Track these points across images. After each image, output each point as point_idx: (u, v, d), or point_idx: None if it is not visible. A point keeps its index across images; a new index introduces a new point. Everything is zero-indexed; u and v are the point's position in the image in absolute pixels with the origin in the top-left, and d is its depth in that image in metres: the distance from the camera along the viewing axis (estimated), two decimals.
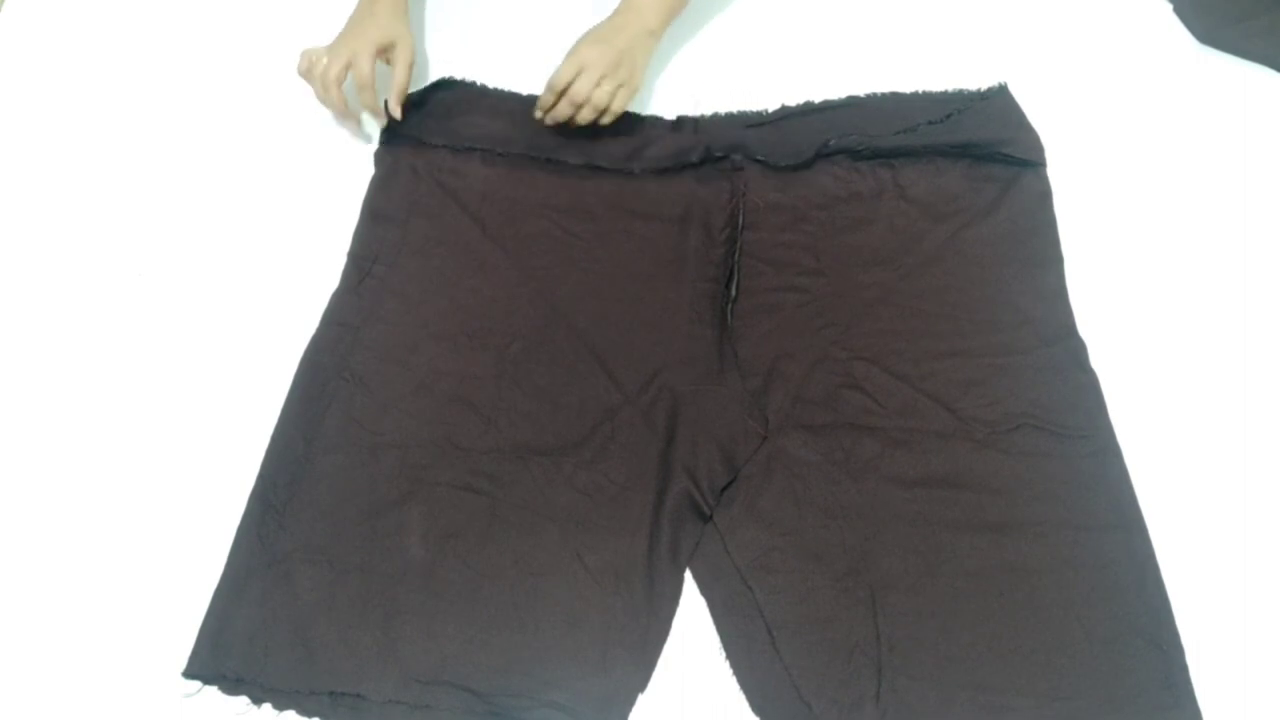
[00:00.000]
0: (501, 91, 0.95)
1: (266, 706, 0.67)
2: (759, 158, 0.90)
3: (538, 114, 0.90)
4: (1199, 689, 0.67)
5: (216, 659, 0.67)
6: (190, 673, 0.67)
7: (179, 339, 0.83)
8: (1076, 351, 0.81)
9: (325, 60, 0.90)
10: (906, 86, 0.95)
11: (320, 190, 0.91)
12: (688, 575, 0.73)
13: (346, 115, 0.93)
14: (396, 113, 0.91)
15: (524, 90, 0.95)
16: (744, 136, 0.91)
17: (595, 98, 0.87)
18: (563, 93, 0.87)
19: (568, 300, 0.83)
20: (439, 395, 0.78)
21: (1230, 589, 0.73)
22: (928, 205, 0.88)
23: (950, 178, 0.90)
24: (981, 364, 0.80)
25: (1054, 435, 0.76)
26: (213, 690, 0.67)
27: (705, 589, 0.72)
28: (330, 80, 0.89)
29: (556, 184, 0.89)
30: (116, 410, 0.79)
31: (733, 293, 0.84)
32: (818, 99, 0.93)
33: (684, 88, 0.98)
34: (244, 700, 0.67)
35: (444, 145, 0.91)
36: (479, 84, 0.95)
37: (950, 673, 0.67)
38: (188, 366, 0.81)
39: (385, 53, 0.92)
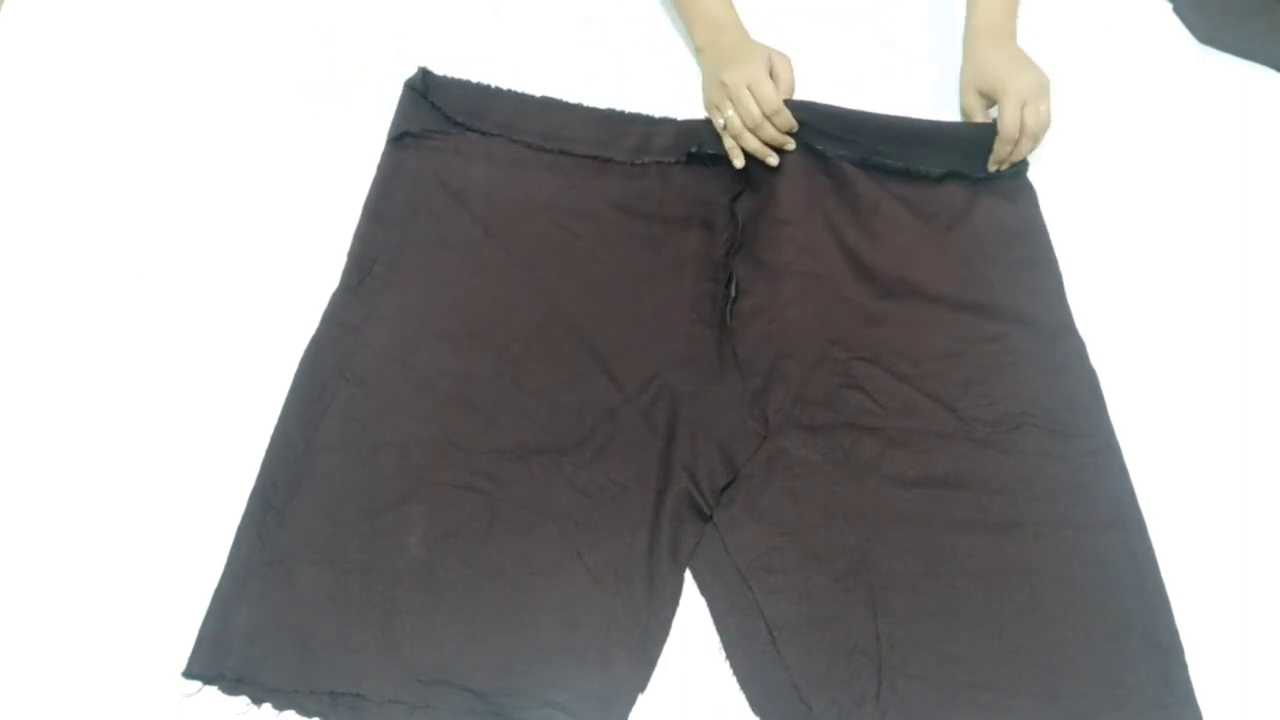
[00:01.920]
0: (514, 91, 0.95)
1: (266, 706, 0.66)
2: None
3: (992, 168, 0.90)
4: (1198, 686, 0.68)
5: (216, 659, 0.67)
6: (190, 672, 0.67)
7: (179, 339, 0.83)
8: (1076, 349, 0.81)
9: (737, 117, 0.88)
10: (906, 84, 0.95)
11: (321, 190, 0.91)
12: (687, 575, 0.73)
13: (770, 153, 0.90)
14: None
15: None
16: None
17: (1043, 119, 0.88)
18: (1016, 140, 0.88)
19: (568, 300, 0.83)
20: (439, 395, 0.78)
21: (1229, 586, 0.73)
22: (921, 207, 0.89)
23: (943, 183, 0.90)
24: (981, 363, 0.80)
25: (1054, 434, 0.76)
26: (213, 690, 0.67)
27: (705, 589, 0.72)
28: (761, 123, 0.87)
29: (559, 185, 0.90)
30: (117, 410, 0.79)
31: (732, 293, 0.84)
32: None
33: (688, 92, 0.98)
34: (244, 700, 0.66)
35: (463, 125, 0.91)
36: (492, 85, 0.95)
37: (950, 673, 0.68)
38: (188, 366, 0.81)
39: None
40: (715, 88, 0.90)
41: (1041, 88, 0.88)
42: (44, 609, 0.70)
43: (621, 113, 0.94)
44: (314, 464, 0.74)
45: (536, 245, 0.86)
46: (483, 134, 0.92)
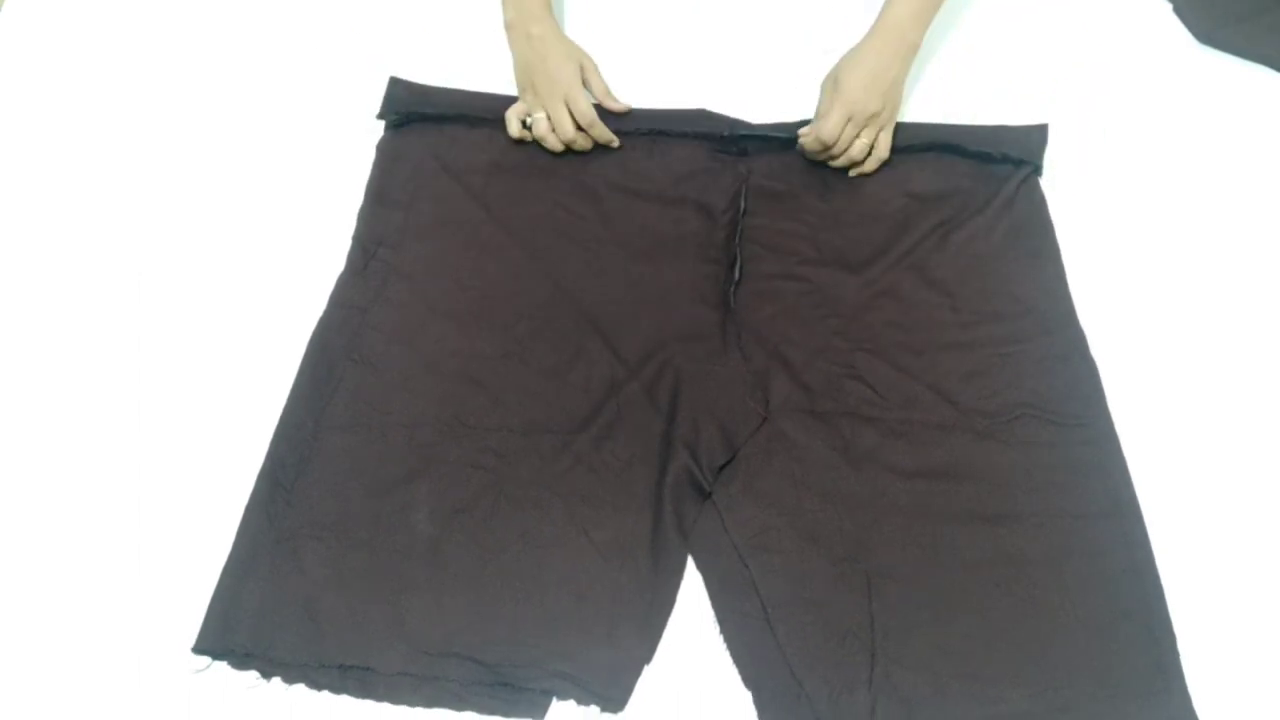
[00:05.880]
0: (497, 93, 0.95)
1: (276, 680, 0.67)
2: (761, 134, 0.90)
3: (802, 143, 0.89)
4: (1189, 674, 0.68)
5: (226, 634, 0.67)
6: (200, 648, 0.67)
7: (189, 320, 0.83)
8: (1076, 340, 0.81)
9: (545, 120, 0.88)
10: (910, 87, 0.96)
11: (324, 175, 0.92)
12: None
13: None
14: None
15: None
16: (750, 129, 0.91)
17: (854, 151, 0.87)
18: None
19: (572, 280, 0.84)
20: (447, 375, 0.79)
21: (1224, 575, 0.73)
22: (928, 199, 0.89)
23: (951, 173, 0.90)
24: (983, 355, 0.81)
25: (1052, 424, 0.77)
26: (222, 665, 0.68)
27: (703, 565, 0.73)
28: (575, 138, 0.89)
29: (559, 165, 0.91)
30: (128, 392, 0.79)
31: (736, 275, 0.84)
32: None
33: (689, 94, 0.98)
34: (254, 674, 0.67)
35: (454, 116, 0.91)
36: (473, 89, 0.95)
37: (944, 662, 0.68)
38: (198, 348, 0.82)
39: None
40: (527, 86, 0.90)
41: (876, 116, 0.86)
42: (59, 589, 0.71)
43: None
44: (322, 443, 0.75)
45: (538, 225, 0.87)
46: (471, 124, 0.92)
